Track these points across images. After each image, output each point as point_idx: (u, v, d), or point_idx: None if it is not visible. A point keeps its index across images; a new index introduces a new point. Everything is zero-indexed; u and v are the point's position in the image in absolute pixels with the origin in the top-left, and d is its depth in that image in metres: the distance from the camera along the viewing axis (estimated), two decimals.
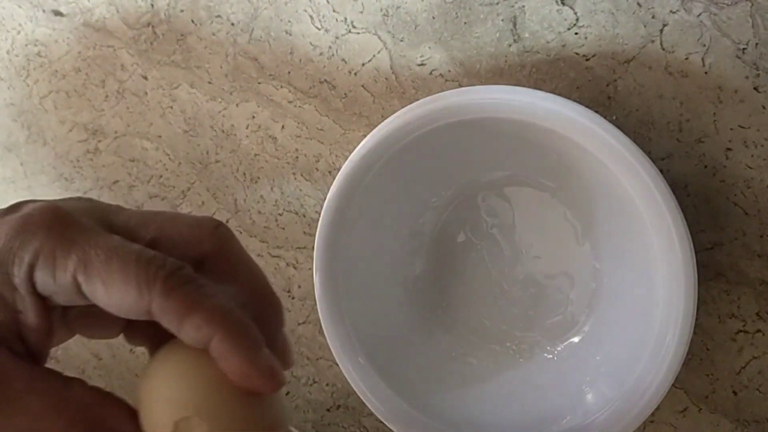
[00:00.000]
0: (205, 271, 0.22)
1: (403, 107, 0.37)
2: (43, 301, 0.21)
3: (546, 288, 0.41)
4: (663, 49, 0.39)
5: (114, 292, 0.20)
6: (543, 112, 0.34)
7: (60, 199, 0.23)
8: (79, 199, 0.23)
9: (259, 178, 0.47)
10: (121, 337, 0.50)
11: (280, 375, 0.21)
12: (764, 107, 0.38)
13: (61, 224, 0.21)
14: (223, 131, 0.47)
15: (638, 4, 0.39)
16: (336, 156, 0.45)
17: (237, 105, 0.46)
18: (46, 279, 0.20)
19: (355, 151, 0.37)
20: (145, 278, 0.20)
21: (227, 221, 0.47)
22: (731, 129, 0.38)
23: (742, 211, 0.39)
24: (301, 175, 0.45)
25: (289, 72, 0.45)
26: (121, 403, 0.22)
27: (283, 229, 0.46)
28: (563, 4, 0.40)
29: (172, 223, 0.22)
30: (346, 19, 0.43)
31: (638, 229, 0.35)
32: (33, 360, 0.21)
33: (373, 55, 0.43)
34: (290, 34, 0.44)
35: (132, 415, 0.21)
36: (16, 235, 0.20)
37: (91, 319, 0.24)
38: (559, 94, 0.35)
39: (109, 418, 0.21)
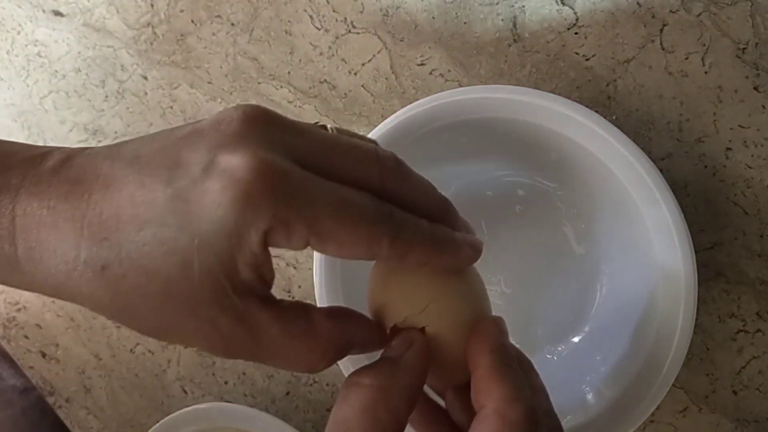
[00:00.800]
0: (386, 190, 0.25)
1: (403, 107, 0.37)
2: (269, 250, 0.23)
3: (546, 288, 0.41)
4: (663, 49, 0.39)
5: (346, 250, 0.22)
6: (543, 112, 0.34)
7: (238, 125, 0.22)
8: (245, 121, 0.23)
9: None
10: (121, 339, 0.50)
11: (477, 244, 0.26)
12: (764, 107, 0.38)
13: (286, 188, 0.21)
14: None
15: (638, 4, 0.39)
16: None
17: None
18: (279, 242, 0.22)
19: None
20: (375, 236, 0.23)
21: None
22: (731, 129, 0.38)
23: (742, 211, 0.39)
24: None
25: (289, 72, 0.45)
26: (356, 318, 0.25)
27: None
28: (563, 4, 0.40)
29: (349, 157, 0.24)
30: (346, 19, 0.43)
31: (638, 228, 0.36)
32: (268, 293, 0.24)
33: (373, 55, 0.43)
34: (290, 34, 0.44)
35: (366, 324, 0.26)
36: (246, 206, 0.21)
37: None
38: (559, 94, 0.35)
39: (350, 335, 0.25)
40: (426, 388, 0.28)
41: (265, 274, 0.23)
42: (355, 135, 0.26)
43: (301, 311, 0.24)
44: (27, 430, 0.56)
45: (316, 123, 0.26)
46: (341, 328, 0.24)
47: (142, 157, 0.22)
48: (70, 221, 0.22)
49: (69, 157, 0.23)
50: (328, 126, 0.26)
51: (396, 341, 0.25)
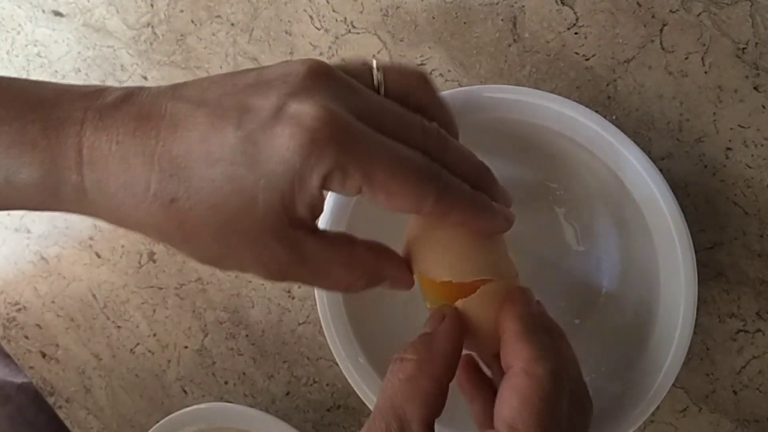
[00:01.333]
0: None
1: None
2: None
3: (545, 287, 0.41)
4: (663, 49, 0.39)
5: (394, 201, 0.24)
6: (543, 112, 0.34)
7: (305, 78, 0.24)
8: (311, 74, 0.24)
9: None
10: (121, 339, 0.50)
11: (510, 216, 0.29)
12: (764, 107, 0.38)
13: (347, 139, 0.23)
14: None
15: (638, 4, 0.39)
16: None
17: None
18: (335, 186, 0.24)
19: None
20: (422, 192, 0.25)
21: None
22: (731, 129, 0.38)
23: (742, 211, 0.39)
24: None
25: None
26: (391, 254, 0.28)
27: None
28: (563, 4, 0.40)
29: (398, 120, 0.26)
30: (346, 19, 0.43)
31: (638, 228, 0.36)
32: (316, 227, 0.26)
33: (373, 55, 0.43)
34: (290, 34, 0.44)
35: (399, 262, 0.29)
36: (311, 151, 0.23)
37: None
38: (559, 94, 0.35)
39: (384, 269, 0.28)
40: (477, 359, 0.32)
41: (316, 212, 0.25)
42: (401, 66, 0.28)
43: (346, 240, 0.27)
44: (24, 426, 0.56)
45: (364, 63, 0.27)
46: (378, 259, 0.27)
47: (210, 101, 0.24)
48: (140, 156, 0.24)
49: (128, 93, 0.25)
50: (374, 62, 0.27)
51: (430, 318, 0.28)
